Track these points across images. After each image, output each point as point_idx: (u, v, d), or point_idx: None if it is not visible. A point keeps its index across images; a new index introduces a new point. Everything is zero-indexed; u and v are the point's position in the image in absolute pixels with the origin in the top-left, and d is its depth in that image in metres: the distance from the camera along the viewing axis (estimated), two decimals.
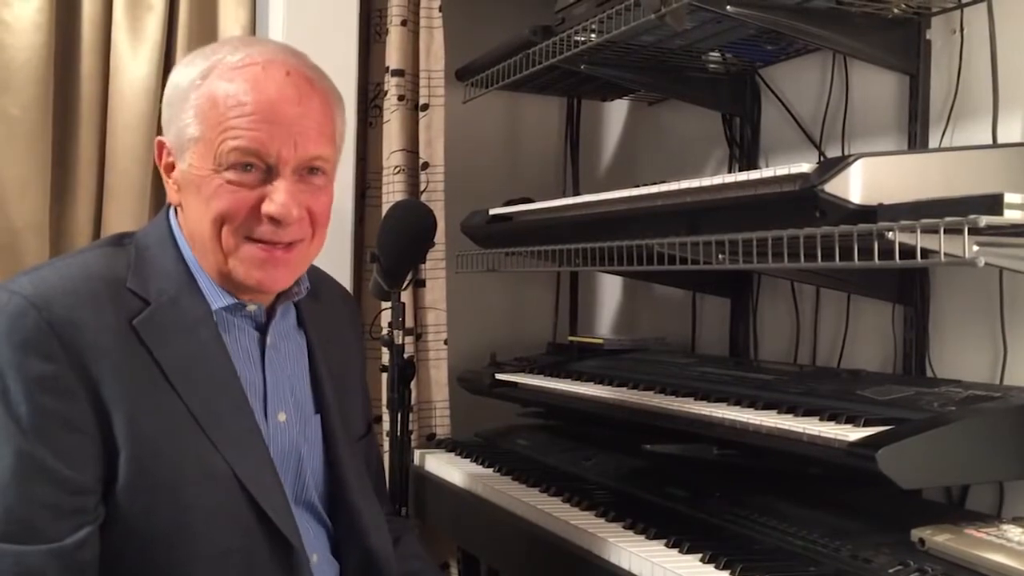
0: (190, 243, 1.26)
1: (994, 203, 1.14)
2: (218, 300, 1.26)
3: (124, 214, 2.36)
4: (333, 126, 1.28)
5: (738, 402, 1.62)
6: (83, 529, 1.13)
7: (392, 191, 2.46)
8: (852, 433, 1.33)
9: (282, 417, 1.30)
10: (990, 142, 1.64)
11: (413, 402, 2.18)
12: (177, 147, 1.24)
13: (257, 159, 1.19)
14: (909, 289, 1.79)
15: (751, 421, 1.50)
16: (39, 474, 1.12)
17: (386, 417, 2.03)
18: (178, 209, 1.28)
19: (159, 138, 1.28)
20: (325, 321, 1.42)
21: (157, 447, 1.16)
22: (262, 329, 1.31)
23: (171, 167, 1.26)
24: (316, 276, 1.42)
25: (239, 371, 1.25)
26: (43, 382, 1.12)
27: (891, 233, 1.22)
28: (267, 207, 1.20)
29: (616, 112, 2.94)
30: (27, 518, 1.11)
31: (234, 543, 1.19)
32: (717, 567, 1.37)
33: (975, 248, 1.18)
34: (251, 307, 1.29)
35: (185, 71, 1.24)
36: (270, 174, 1.20)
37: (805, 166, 1.36)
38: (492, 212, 2.28)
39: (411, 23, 2.49)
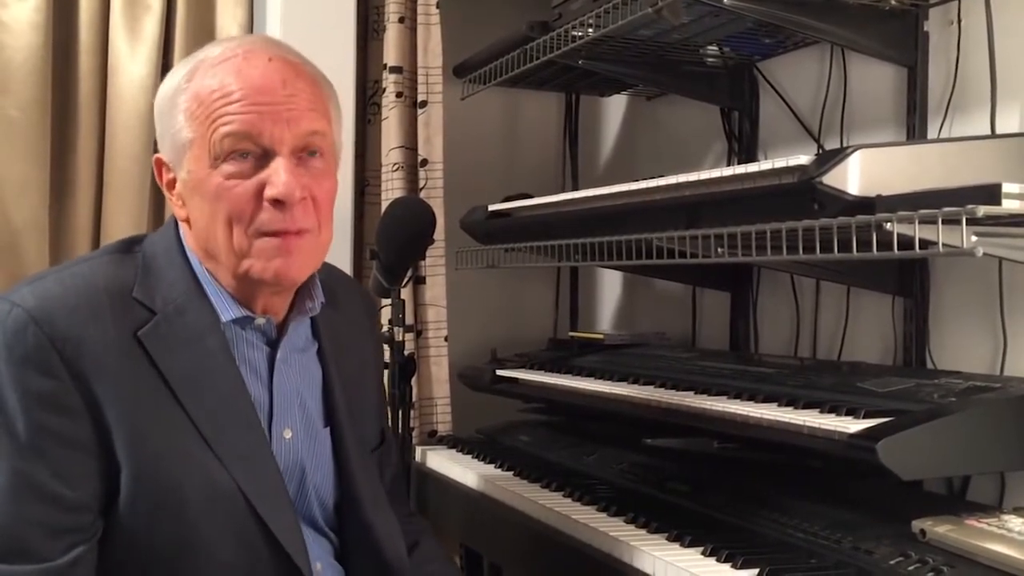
0: (199, 255, 1.23)
1: (992, 193, 1.15)
2: (228, 312, 1.22)
3: (123, 213, 2.36)
4: (325, 106, 1.24)
5: (738, 395, 1.62)
6: (77, 548, 1.11)
7: (391, 188, 2.47)
8: (852, 425, 1.33)
9: (287, 434, 1.26)
10: (988, 133, 1.63)
11: (414, 399, 2.18)
12: (174, 157, 1.21)
13: (251, 143, 1.16)
14: (909, 281, 1.79)
15: (752, 414, 1.50)
16: (34, 492, 1.10)
17: (387, 414, 2.03)
18: (185, 224, 1.25)
19: (156, 156, 1.25)
20: (341, 329, 1.38)
21: (160, 463, 1.14)
22: (272, 344, 1.27)
23: (172, 183, 1.23)
24: (333, 278, 1.37)
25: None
26: (42, 398, 1.10)
27: (889, 224, 1.22)
28: (269, 191, 1.16)
29: (615, 107, 2.94)
30: (19, 537, 1.09)
31: (238, 560, 1.17)
32: (718, 560, 1.37)
33: (973, 238, 1.18)
34: (260, 321, 1.25)
35: (170, 80, 1.22)
36: (267, 158, 1.17)
37: (803, 158, 1.36)
38: (491, 208, 2.29)
39: (409, 20, 2.49)
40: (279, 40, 1.26)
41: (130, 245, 1.26)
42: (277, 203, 1.16)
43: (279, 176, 1.16)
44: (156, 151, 1.26)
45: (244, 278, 1.20)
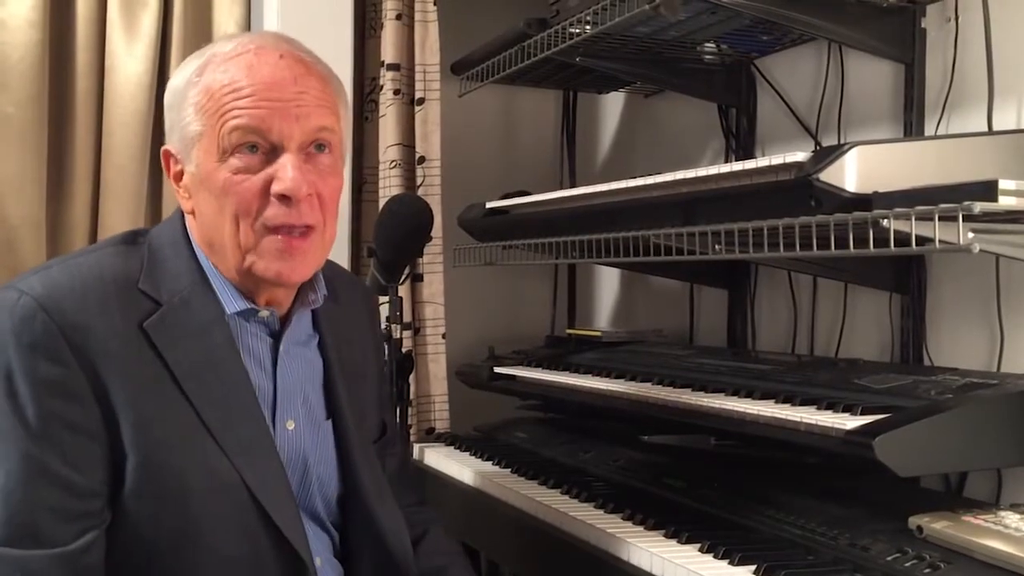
0: (205, 248, 1.24)
1: (988, 190, 1.14)
2: (232, 304, 1.23)
3: (121, 210, 2.36)
4: (335, 103, 1.25)
5: (736, 392, 1.62)
6: (88, 533, 1.12)
7: (389, 185, 2.46)
8: (849, 421, 1.33)
9: (290, 425, 1.27)
10: (986, 130, 1.63)
11: (412, 396, 2.18)
12: (182, 150, 1.22)
13: (259, 137, 1.17)
14: (906, 278, 1.79)
15: (749, 411, 1.50)
16: (45, 477, 1.11)
17: (391, 406, 2.03)
18: (191, 216, 1.26)
19: (164, 147, 1.26)
20: (342, 322, 1.39)
21: (165, 454, 1.15)
22: (276, 336, 1.28)
23: (179, 175, 1.25)
24: (333, 273, 1.39)
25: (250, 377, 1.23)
26: (51, 385, 1.11)
27: (886, 221, 1.22)
28: (275, 186, 1.17)
29: (612, 104, 2.94)
30: (31, 522, 1.10)
31: (241, 551, 1.17)
32: (715, 556, 1.37)
33: (970, 235, 1.18)
34: (264, 313, 1.26)
35: (181, 73, 1.23)
36: (275, 153, 1.18)
37: (800, 155, 1.36)
38: (489, 205, 2.28)
39: (406, 17, 2.49)
40: (290, 37, 1.26)
41: (135, 237, 1.27)
42: (284, 199, 1.18)
43: (286, 172, 1.17)
44: (163, 143, 1.27)
45: (247, 273, 1.22)
